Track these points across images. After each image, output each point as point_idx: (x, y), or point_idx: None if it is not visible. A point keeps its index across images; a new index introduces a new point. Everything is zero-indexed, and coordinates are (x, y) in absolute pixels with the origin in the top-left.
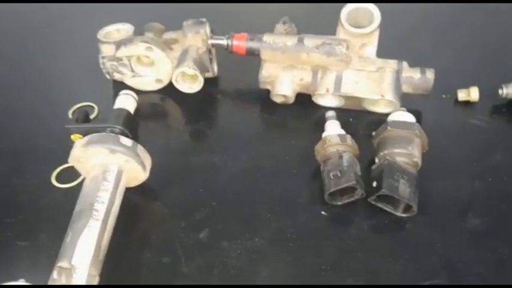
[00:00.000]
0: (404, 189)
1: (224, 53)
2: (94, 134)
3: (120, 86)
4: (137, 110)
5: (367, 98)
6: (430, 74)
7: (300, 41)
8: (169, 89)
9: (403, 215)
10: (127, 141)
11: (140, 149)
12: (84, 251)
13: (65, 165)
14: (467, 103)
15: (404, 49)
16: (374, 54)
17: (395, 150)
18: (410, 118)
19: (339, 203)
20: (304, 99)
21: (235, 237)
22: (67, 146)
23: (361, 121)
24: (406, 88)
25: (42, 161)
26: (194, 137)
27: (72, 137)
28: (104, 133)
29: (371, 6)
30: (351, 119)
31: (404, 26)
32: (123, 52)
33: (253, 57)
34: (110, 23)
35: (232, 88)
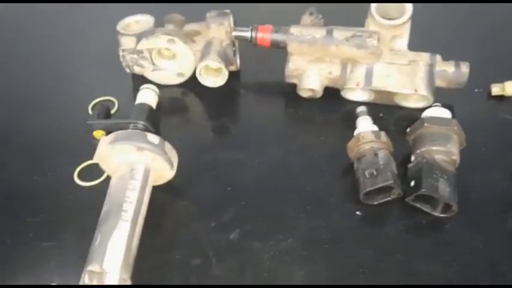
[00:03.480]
0: (444, 188)
1: (244, 46)
2: (120, 131)
3: (139, 79)
4: (158, 104)
5: (399, 93)
6: (465, 68)
7: (329, 33)
8: (191, 83)
9: (441, 215)
10: (154, 139)
11: (167, 146)
12: (114, 254)
13: (87, 163)
14: (501, 97)
15: (435, 42)
16: (405, 47)
17: (433, 148)
18: (446, 114)
19: (374, 203)
20: (330, 94)
21: (267, 238)
22: (86, 142)
23: (391, 116)
24: (439, 82)
25: (63, 158)
26: (217, 133)
27: (94, 133)
28: (130, 130)
29: None
30: (381, 114)
31: (436, 19)
32: (144, 45)
33: (275, 50)
34: (127, 15)
35: (255, 82)
